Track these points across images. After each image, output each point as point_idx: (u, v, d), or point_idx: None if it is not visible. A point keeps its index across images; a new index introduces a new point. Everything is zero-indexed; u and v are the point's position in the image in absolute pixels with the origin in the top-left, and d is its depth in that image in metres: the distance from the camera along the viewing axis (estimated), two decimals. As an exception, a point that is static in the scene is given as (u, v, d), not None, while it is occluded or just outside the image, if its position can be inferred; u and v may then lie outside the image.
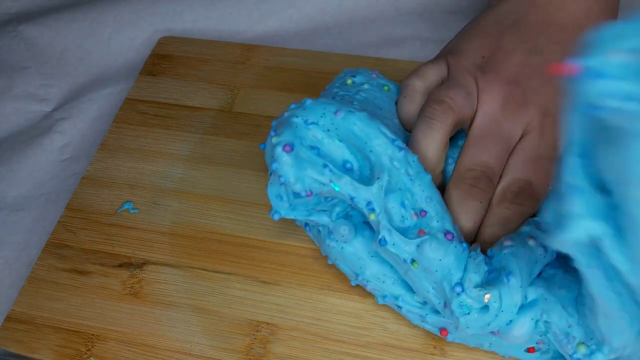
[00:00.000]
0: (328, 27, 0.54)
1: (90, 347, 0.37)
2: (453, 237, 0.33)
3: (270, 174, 0.35)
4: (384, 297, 0.36)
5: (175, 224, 0.42)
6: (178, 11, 0.57)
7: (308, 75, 0.49)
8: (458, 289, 0.32)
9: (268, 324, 0.37)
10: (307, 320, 0.37)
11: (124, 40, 0.56)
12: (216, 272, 0.40)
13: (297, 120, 0.34)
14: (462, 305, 0.32)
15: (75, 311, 0.39)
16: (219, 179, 0.44)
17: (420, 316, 0.35)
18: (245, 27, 0.56)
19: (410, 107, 0.39)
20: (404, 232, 0.33)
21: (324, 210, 0.36)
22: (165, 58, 0.52)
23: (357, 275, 0.36)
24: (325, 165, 0.33)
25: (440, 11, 0.55)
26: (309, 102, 0.35)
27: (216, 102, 0.48)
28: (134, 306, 0.39)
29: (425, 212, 0.34)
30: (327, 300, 0.38)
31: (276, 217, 0.35)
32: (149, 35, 0.55)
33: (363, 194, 0.33)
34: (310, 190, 0.33)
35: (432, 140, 0.36)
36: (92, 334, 0.38)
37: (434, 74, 0.40)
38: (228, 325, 0.38)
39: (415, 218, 0.34)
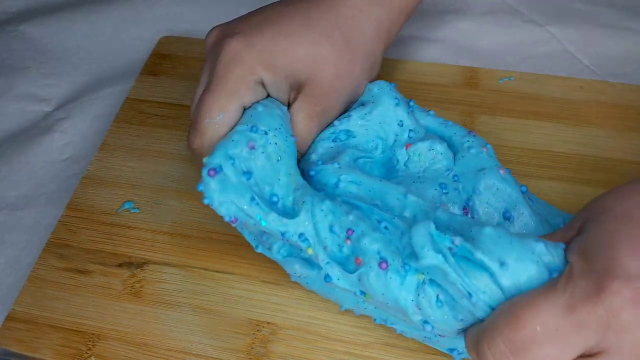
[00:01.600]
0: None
1: (90, 346, 0.37)
2: (388, 265, 0.31)
3: None
4: (375, 319, 0.35)
5: (175, 223, 0.42)
6: (179, 11, 0.57)
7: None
8: (428, 328, 0.30)
9: (269, 323, 0.37)
10: (307, 320, 0.37)
11: (124, 40, 0.56)
12: (217, 271, 0.40)
13: (241, 128, 0.34)
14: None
15: (76, 311, 0.39)
16: (220, 179, 0.44)
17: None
18: (245, 27, 0.56)
19: None
20: (343, 262, 0.32)
21: (268, 249, 0.35)
22: (166, 58, 0.52)
23: (340, 305, 0.35)
24: (252, 199, 0.32)
25: (440, 11, 0.55)
26: (260, 107, 0.35)
27: (216, 102, 0.48)
28: (134, 306, 0.39)
29: (352, 230, 0.32)
30: (328, 300, 0.38)
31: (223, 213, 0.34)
32: (150, 35, 0.55)
33: (292, 227, 0.32)
34: (235, 217, 0.32)
35: None
36: (93, 334, 0.38)
37: None
38: (229, 324, 0.38)
39: (349, 244, 0.32)
